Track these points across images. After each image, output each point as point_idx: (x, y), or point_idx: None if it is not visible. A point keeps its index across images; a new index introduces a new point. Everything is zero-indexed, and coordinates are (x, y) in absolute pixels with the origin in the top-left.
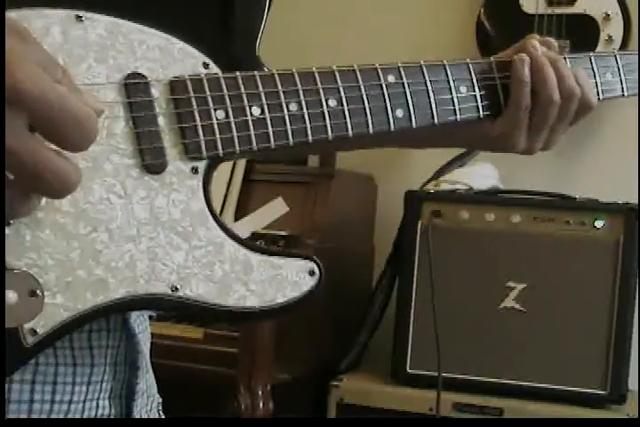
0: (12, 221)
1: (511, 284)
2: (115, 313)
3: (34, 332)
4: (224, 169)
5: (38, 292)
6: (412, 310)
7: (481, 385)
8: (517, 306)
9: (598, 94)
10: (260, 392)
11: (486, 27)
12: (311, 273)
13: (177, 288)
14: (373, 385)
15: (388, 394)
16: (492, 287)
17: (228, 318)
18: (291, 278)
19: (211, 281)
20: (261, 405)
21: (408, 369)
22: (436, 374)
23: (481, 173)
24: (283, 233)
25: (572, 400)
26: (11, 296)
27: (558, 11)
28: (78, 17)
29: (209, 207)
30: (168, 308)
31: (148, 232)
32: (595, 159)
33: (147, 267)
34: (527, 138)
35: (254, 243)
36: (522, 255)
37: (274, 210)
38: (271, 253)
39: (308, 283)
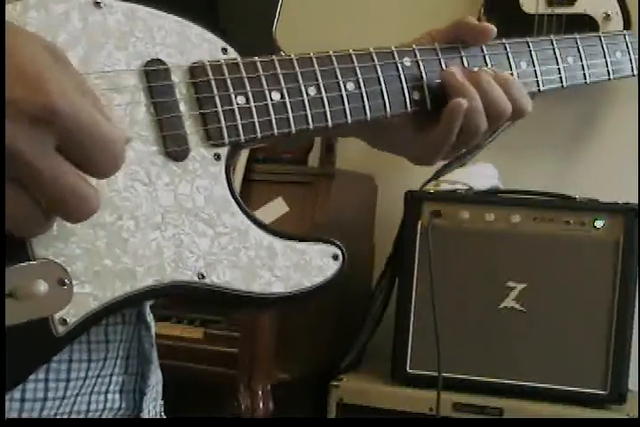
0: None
1: (511, 284)
2: (143, 302)
3: (64, 321)
4: None
5: (67, 281)
6: (412, 310)
7: (481, 385)
8: (517, 306)
9: (609, 74)
10: (260, 392)
11: None
12: (335, 257)
13: (204, 275)
14: (373, 385)
15: (388, 394)
16: (492, 287)
17: (255, 304)
18: (315, 263)
19: (237, 267)
20: (261, 405)
21: (408, 369)
22: (436, 374)
23: (481, 173)
24: None
25: (572, 400)
26: (41, 287)
27: (558, 11)
28: (97, 3)
29: (232, 194)
30: (195, 295)
31: (173, 219)
32: (595, 159)
33: (173, 254)
34: (445, 153)
35: (277, 229)
36: (522, 255)
37: (274, 210)
38: (294, 239)
39: (332, 267)
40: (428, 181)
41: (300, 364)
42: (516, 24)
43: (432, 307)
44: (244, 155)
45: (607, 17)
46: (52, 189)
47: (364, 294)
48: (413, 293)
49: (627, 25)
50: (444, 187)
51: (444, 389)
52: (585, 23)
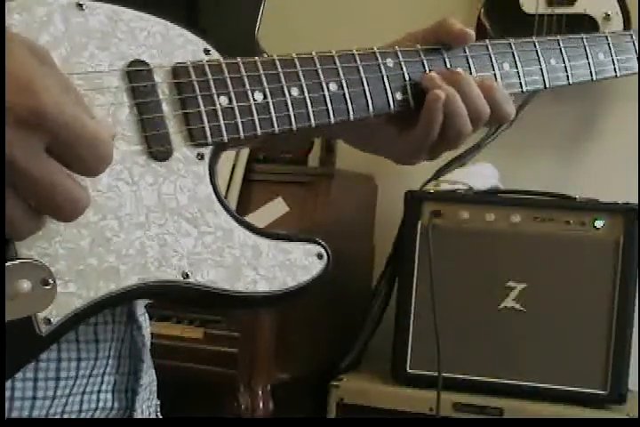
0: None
1: (511, 284)
2: (127, 301)
3: (48, 321)
4: (224, 169)
5: (50, 281)
6: (412, 310)
7: (481, 385)
8: (517, 306)
9: (592, 75)
10: (260, 392)
11: (486, 27)
12: (319, 256)
13: (188, 275)
14: (373, 385)
15: (388, 394)
16: (492, 287)
17: (239, 303)
18: (300, 262)
19: (221, 267)
20: (261, 405)
21: (408, 369)
22: (436, 374)
23: (481, 173)
24: None
25: (572, 400)
26: (25, 286)
27: (558, 11)
28: (79, 4)
29: (216, 193)
30: (180, 295)
31: (157, 219)
32: (595, 159)
33: (157, 254)
34: (427, 153)
35: (261, 228)
36: (522, 255)
37: (274, 210)
38: (279, 238)
39: (316, 266)
40: (428, 181)
41: (300, 364)
42: (516, 24)
43: (432, 307)
44: (244, 155)
45: (607, 17)
46: (44, 190)
47: (364, 294)
48: (413, 293)
49: (627, 25)
50: (444, 187)
51: (444, 389)
52: (585, 23)
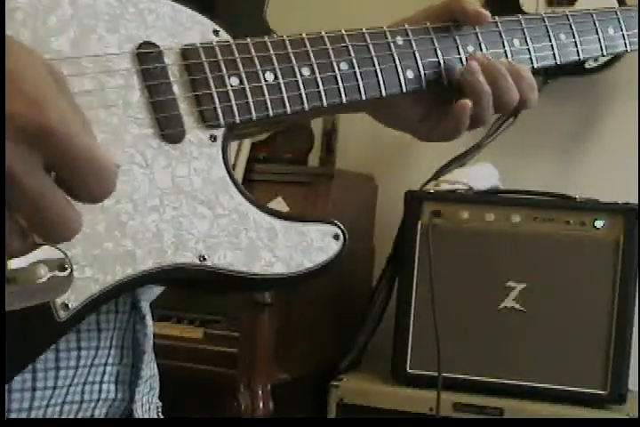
0: None
1: (511, 284)
2: (144, 285)
3: (66, 306)
4: None
5: (67, 266)
6: (412, 310)
7: (481, 385)
8: (517, 306)
9: (602, 50)
10: (260, 392)
11: None
12: (336, 237)
13: (205, 258)
14: (373, 385)
15: (388, 394)
16: (492, 287)
17: (256, 286)
18: (316, 243)
19: (237, 249)
20: (261, 405)
21: (408, 369)
22: (436, 374)
23: (481, 173)
24: None
25: (572, 400)
26: (42, 271)
27: (558, 11)
28: None
29: (230, 175)
30: (196, 279)
31: (172, 202)
32: (595, 159)
33: (173, 237)
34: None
35: (276, 210)
36: (522, 255)
37: None
38: (295, 219)
39: (333, 247)
40: (428, 181)
41: (300, 364)
42: None
43: (432, 307)
44: (244, 155)
45: None
46: (36, 207)
47: (364, 294)
48: (413, 293)
49: None
50: (444, 187)
51: (444, 389)
52: None
